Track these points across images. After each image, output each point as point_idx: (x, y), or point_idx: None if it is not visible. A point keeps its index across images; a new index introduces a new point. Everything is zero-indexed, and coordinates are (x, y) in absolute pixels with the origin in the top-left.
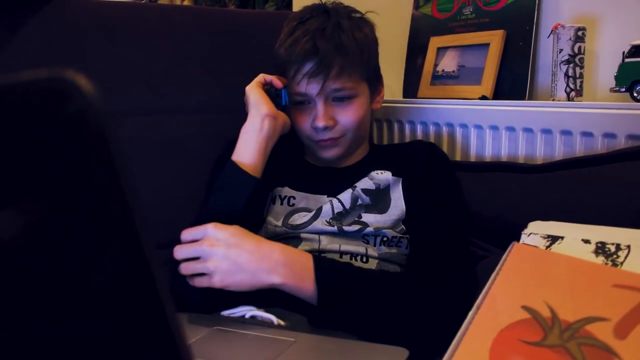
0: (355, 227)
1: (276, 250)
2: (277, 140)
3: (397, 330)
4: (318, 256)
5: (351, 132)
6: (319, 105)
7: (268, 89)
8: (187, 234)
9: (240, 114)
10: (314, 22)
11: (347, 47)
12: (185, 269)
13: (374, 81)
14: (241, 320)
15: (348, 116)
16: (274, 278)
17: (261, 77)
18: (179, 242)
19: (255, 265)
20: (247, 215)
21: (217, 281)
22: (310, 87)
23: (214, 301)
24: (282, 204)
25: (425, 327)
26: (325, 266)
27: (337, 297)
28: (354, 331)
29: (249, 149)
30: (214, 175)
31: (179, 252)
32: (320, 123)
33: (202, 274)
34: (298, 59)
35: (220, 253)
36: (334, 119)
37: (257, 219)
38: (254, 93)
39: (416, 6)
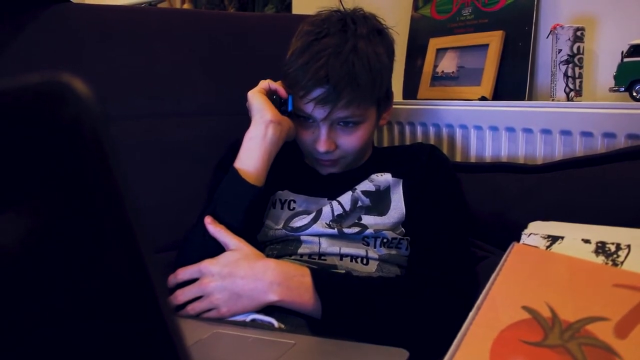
0: (355, 229)
1: (269, 269)
2: (281, 146)
3: (398, 333)
4: (315, 270)
5: (351, 155)
6: (322, 129)
7: (272, 96)
8: (182, 273)
9: (240, 117)
10: (329, 41)
11: (359, 78)
12: (192, 309)
13: (384, 102)
14: (241, 324)
15: (350, 142)
16: (271, 296)
17: (265, 84)
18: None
19: (250, 288)
20: (248, 221)
21: (225, 312)
22: (316, 112)
23: None
24: (282, 208)
25: (426, 329)
26: (324, 282)
27: (340, 311)
28: (356, 337)
29: (252, 156)
30: (215, 178)
31: (183, 296)
32: (322, 148)
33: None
34: (308, 84)
35: (218, 286)
36: (335, 144)
37: (256, 223)
38: (257, 99)
39: (415, 7)
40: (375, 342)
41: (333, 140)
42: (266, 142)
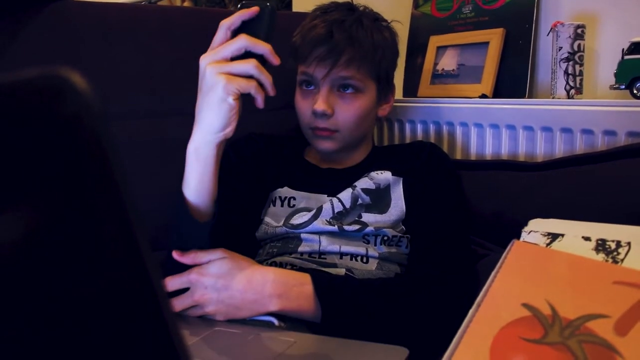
0: (356, 227)
1: (268, 282)
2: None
3: (399, 333)
4: (316, 276)
5: (347, 129)
6: (322, 89)
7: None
8: (171, 283)
9: (241, 117)
10: (335, 14)
11: (361, 40)
12: (193, 312)
13: (384, 85)
14: (241, 321)
15: (347, 110)
16: (271, 308)
17: (249, 85)
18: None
19: (250, 301)
20: (236, 224)
21: (222, 319)
22: (317, 70)
23: None
24: (282, 205)
25: (427, 327)
26: (325, 290)
27: (341, 319)
28: (356, 338)
29: (202, 182)
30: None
31: (178, 306)
32: (319, 107)
33: None
34: (311, 42)
35: (214, 299)
36: (332, 109)
37: (253, 221)
38: (224, 104)
39: (415, 5)
40: (375, 341)
41: (331, 104)
42: (214, 162)
